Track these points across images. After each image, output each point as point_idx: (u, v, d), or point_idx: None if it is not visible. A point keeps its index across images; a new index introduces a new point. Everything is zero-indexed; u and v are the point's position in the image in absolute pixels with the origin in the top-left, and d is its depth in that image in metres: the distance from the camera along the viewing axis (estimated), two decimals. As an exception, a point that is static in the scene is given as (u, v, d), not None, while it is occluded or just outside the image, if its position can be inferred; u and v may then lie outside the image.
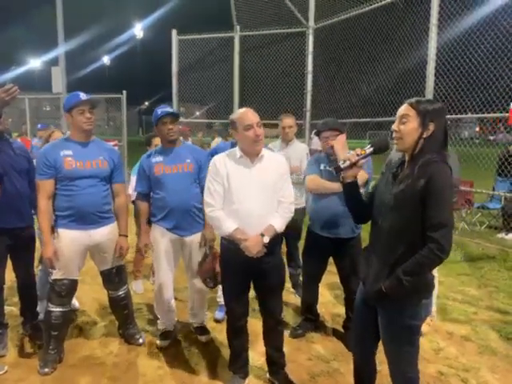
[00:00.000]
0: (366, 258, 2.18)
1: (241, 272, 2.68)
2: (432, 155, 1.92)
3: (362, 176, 3.04)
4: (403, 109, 1.99)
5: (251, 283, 2.80)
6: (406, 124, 1.97)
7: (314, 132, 9.04)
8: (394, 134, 2.02)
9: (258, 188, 2.58)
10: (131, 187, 4.25)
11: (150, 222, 3.41)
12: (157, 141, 4.32)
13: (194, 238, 3.31)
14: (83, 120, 2.99)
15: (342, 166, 2.10)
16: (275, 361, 2.90)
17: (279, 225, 2.62)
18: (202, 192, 3.32)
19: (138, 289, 4.50)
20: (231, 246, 2.63)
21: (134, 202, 4.20)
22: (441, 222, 1.86)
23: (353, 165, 2.10)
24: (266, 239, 2.55)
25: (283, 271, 2.89)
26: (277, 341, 2.88)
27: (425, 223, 1.89)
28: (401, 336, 2.05)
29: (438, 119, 1.95)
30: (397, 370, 2.13)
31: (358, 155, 2.08)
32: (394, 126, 2.01)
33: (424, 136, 1.95)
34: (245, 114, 2.58)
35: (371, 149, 2.10)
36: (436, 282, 3.65)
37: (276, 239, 2.68)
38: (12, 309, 3.86)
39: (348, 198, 2.24)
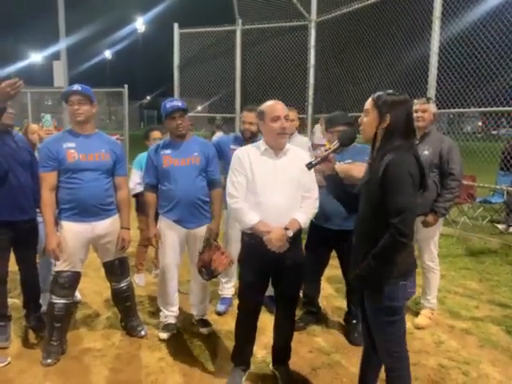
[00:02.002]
0: (353, 247, 2.30)
1: (260, 269, 2.64)
2: (394, 144, 2.03)
3: (362, 168, 3.06)
4: (367, 103, 2.14)
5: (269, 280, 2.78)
6: (367, 116, 2.12)
7: (316, 126, 9.02)
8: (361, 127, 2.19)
9: (282, 181, 2.55)
10: (132, 181, 4.26)
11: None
12: (155, 135, 4.33)
13: (200, 231, 3.33)
14: (71, 111, 3.02)
15: (313, 162, 2.32)
16: (281, 353, 2.90)
17: (303, 220, 2.59)
18: (208, 185, 3.34)
19: (140, 282, 4.52)
20: (252, 241, 2.60)
21: (134, 195, 4.22)
22: (398, 207, 1.94)
23: (324, 159, 2.31)
24: (290, 233, 2.50)
25: (303, 268, 2.82)
26: (286, 334, 2.87)
27: (386, 210, 1.99)
28: (381, 317, 2.12)
29: (395, 111, 2.04)
30: (383, 349, 2.20)
31: (326, 150, 2.31)
32: (359, 120, 2.18)
33: (382, 127, 2.06)
34: (274, 106, 2.57)
35: (338, 143, 2.32)
36: (438, 275, 3.69)
37: (298, 235, 2.65)
38: (15, 301, 3.87)
39: (331, 189, 2.44)
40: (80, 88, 3.01)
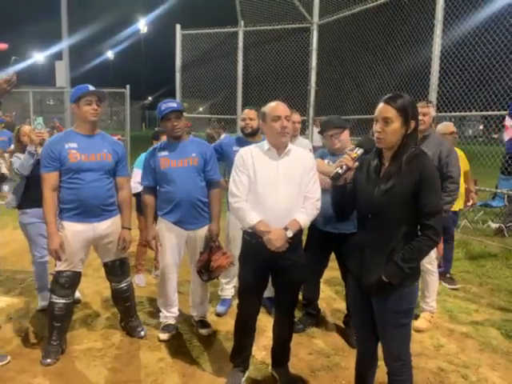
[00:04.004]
0: (359, 253, 2.22)
1: (260, 268, 2.66)
2: (413, 148, 2.04)
3: None
4: (383, 110, 2.02)
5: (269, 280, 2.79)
6: (390, 125, 2.01)
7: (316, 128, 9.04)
8: (376, 135, 2.07)
9: (283, 181, 2.56)
10: (133, 180, 4.26)
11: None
12: (164, 138, 4.31)
13: (200, 232, 3.33)
14: (90, 111, 3.00)
15: (340, 172, 2.18)
16: (280, 355, 2.90)
17: (304, 220, 2.59)
18: (207, 186, 3.35)
19: (140, 282, 4.52)
20: (253, 241, 2.61)
21: (135, 195, 4.22)
22: (435, 209, 1.98)
23: (349, 169, 2.19)
24: (290, 233, 2.51)
25: (303, 269, 2.83)
26: (285, 335, 2.86)
27: (419, 212, 1.99)
28: (399, 320, 2.11)
29: (416, 114, 2.05)
30: (392, 353, 2.18)
31: (352, 159, 2.18)
32: (378, 128, 2.05)
33: (408, 132, 2.03)
34: (275, 106, 2.59)
35: (361, 150, 2.20)
36: (436, 278, 3.69)
37: (299, 235, 2.65)
38: (14, 300, 3.88)
39: (337, 200, 2.34)
40: (98, 90, 3.05)
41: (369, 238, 2.15)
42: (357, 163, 2.22)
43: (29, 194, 3.52)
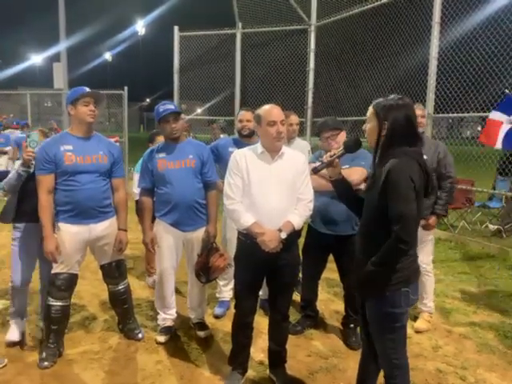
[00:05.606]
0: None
1: (255, 268, 2.69)
2: (396, 151, 2.00)
3: (360, 172, 3.09)
4: (368, 110, 2.12)
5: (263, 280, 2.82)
6: (368, 123, 2.12)
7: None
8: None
9: (276, 184, 2.59)
10: (136, 185, 4.21)
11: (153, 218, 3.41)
12: (160, 139, 4.29)
13: (197, 234, 3.32)
14: (87, 112, 3.00)
15: (318, 167, 2.34)
16: (277, 356, 2.90)
17: (297, 222, 2.62)
18: (204, 187, 3.34)
19: (151, 283, 4.44)
20: (248, 241, 2.64)
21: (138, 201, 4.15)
22: (398, 214, 1.92)
23: (328, 165, 2.29)
24: (284, 235, 2.55)
25: (297, 269, 2.90)
26: (281, 336, 2.88)
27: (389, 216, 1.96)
28: (382, 323, 2.11)
29: (392, 116, 2.01)
30: (383, 356, 2.18)
31: (331, 156, 2.28)
32: (363, 127, 2.18)
33: (383, 134, 2.04)
34: (270, 110, 2.60)
35: (342, 149, 2.30)
36: (432, 278, 3.69)
37: (294, 236, 2.69)
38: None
39: (339, 194, 2.41)
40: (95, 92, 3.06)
41: (360, 237, 2.21)
42: (337, 160, 2.29)
43: (20, 207, 3.25)
